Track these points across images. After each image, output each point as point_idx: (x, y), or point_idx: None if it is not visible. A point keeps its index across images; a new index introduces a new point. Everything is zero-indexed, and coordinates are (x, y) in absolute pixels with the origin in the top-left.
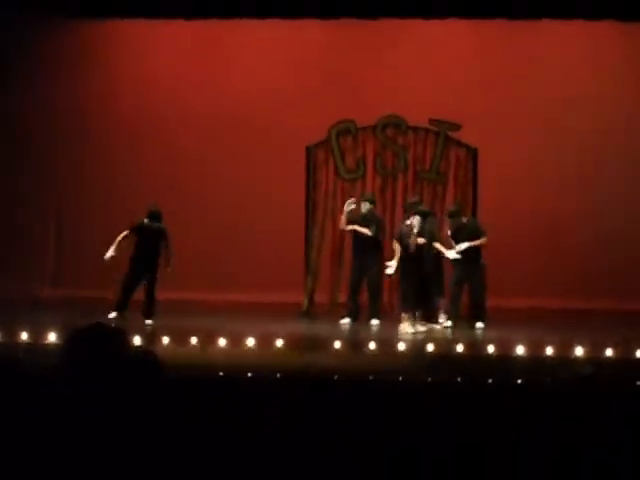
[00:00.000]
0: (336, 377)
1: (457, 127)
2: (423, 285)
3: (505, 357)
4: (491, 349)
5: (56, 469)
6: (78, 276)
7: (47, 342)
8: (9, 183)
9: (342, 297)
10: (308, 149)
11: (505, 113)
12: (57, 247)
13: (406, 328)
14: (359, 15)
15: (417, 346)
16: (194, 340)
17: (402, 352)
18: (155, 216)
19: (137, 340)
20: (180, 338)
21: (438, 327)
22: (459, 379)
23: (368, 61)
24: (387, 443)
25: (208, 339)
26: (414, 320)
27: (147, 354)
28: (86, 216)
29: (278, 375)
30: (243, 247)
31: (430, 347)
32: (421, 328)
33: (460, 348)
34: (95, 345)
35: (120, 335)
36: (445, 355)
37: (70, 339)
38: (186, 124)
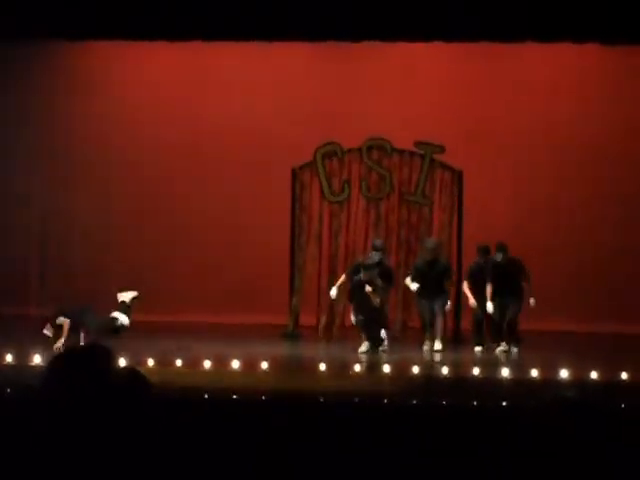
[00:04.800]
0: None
1: (441, 149)
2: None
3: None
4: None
5: None
6: (62, 296)
7: (32, 364)
8: None
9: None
10: (293, 171)
11: (490, 135)
12: (41, 267)
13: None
14: (343, 38)
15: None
16: (179, 362)
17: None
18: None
19: (122, 362)
20: (164, 360)
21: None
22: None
23: (353, 83)
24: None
25: (192, 361)
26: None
27: (134, 374)
28: (70, 236)
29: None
30: (228, 269)
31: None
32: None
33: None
34: (82, 365)
35: (107, 355)
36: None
37: (56, 359)
38: (169, 146)
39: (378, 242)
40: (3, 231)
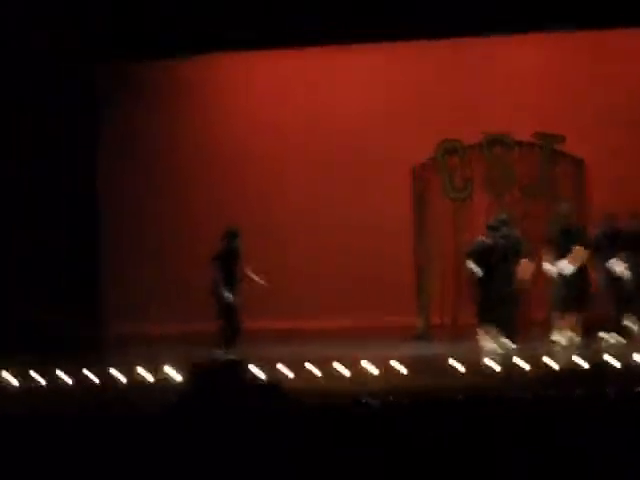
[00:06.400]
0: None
1: (562, 139)
2: None
3: None
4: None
5: None
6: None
7: (166, 380)
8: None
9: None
10: (414, 169)
11: (611, 123)
12: (161, 285)
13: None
14: (460, 34)
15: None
16: (312, 367)
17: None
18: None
19: (254, 370)
20: (296, 366)
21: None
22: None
23: (469, 79)
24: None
25: (326, 365)
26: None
27: (270, 384)
28: (188, 251)
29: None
30: (351, 270)
31: None
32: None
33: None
34: (220, 379)
35: (241, 369)
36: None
37: (194, 374)
38: (290, 152)
39: (503, 215)
40: (122, 251)
